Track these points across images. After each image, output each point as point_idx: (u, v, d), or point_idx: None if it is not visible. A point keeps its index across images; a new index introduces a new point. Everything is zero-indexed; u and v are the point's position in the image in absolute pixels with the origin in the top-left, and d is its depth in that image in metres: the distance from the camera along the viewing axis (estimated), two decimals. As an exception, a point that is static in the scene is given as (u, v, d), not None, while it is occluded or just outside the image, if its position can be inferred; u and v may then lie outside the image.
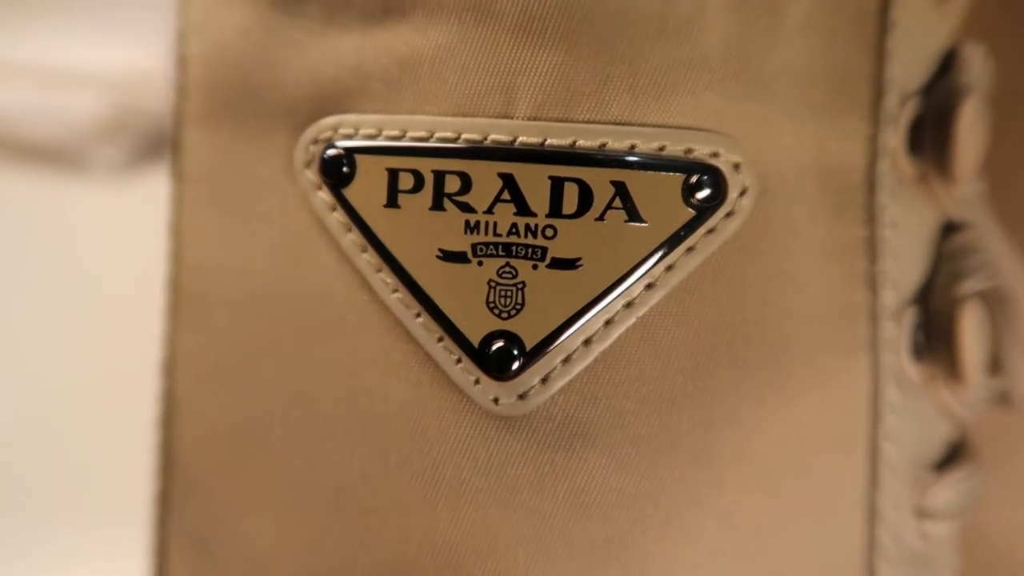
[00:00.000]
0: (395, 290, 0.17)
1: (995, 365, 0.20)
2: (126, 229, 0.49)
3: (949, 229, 0.20)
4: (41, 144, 0.49)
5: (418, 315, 0.17)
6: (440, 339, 0.17)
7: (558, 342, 0.17)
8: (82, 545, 0.38)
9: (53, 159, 0.50)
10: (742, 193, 0.17)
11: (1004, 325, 0.20)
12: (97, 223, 0.50)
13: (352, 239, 0.17)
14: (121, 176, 0.50)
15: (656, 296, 0.17)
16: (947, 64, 0.19)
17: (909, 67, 0.18)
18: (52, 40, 0.50)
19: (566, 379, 0.17)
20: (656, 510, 0.17)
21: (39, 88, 0.49)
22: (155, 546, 0.21)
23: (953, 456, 0.20)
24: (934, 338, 0.19)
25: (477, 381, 0.17)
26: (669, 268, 0.17)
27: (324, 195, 0.17)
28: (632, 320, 0.17)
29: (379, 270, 0.17)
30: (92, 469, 0.40)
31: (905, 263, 0.18)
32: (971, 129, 0.18)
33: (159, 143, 0.51)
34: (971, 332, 0.18)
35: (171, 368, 0.20)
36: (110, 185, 0.51)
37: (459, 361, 0.17)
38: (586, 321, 0.17)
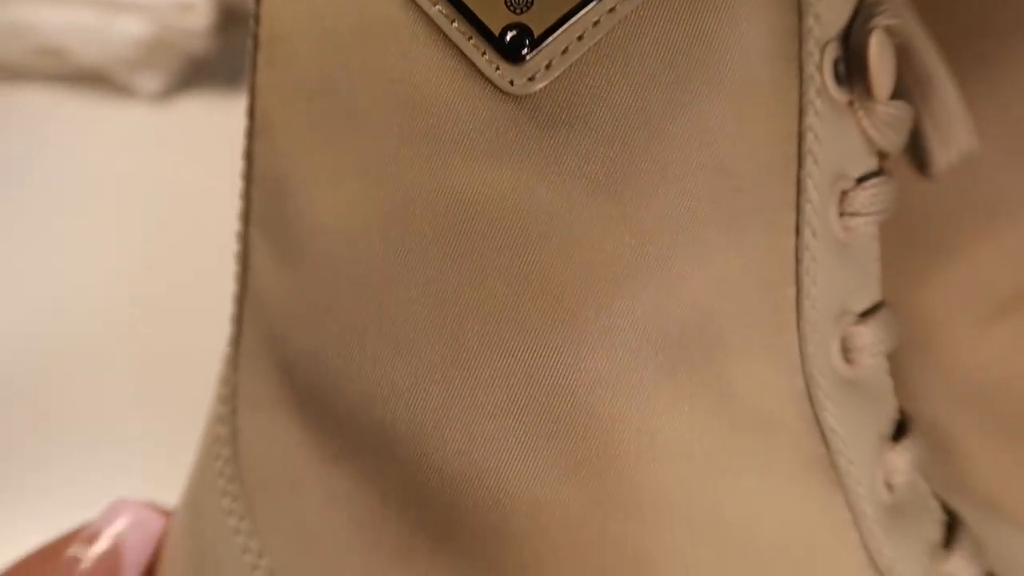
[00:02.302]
0: (435, 4, 0.23)
1: (898, 95, 0.25)
2: (162, 143, 0.54)
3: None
4: (92, 66, 0.54)
5: (453, 21, 0.23)
6: (470, 38, 0.23)
7: (558, 32, 0.22)
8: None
9: (101, 79, 0.56)
10: None
11: (905, 62, 0.25)
12: (138, 138, 0.55)
13: None
14: (160, 98, 0.56)
15: (631, 6, 0.22)
16: None
17: None
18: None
19: (565, 66, 0.22)
20: (634, 166, 0.23)
21: (94, 13, 0.54)
22: (240, 249, 0.26)
23: (870, 175, 0.25)
24: (852, 69, 0.24)
25: (497, 68, 0.22)
26: None
27: None
28: (613, 23, 0.22)
29: None
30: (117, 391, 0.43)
31: (827, 3, 0.24)
32: None
33: (194, 68, 0.57)
34: (878, 51, 0.24)
35: (252, 107, 0.26)
36: (150, 105, 0.56)
37: (484, 54, 0.22)
38: (579, 18, 0.22)
